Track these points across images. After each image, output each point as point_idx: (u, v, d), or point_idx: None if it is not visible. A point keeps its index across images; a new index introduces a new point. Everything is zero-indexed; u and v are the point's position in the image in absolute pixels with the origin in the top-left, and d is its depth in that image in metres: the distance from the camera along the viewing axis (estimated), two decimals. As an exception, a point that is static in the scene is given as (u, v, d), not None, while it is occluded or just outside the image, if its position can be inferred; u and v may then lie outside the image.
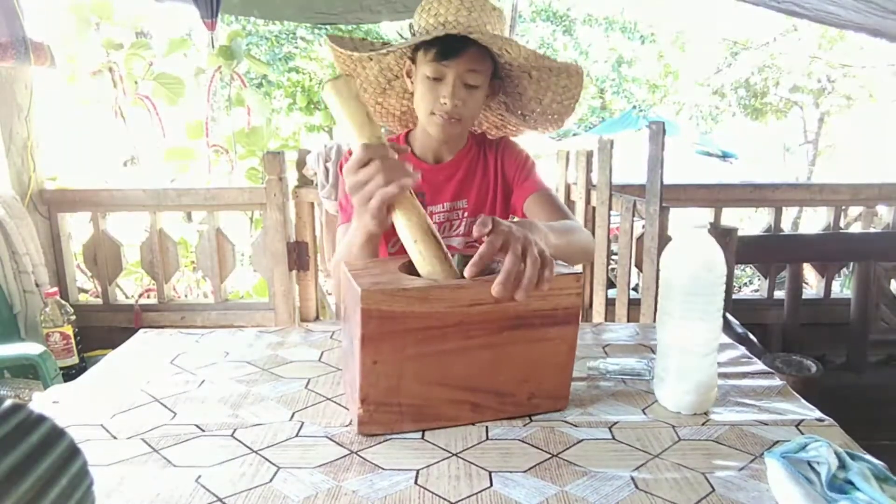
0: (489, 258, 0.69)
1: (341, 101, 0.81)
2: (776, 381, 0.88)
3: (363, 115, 0.81)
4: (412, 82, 1.13)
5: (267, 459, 0.68)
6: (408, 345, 0.69)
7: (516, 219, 0.81)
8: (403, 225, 0.79)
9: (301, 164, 2.14)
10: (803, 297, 1.97)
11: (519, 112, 1.23)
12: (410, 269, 0.78)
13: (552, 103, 1.18)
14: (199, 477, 0.65)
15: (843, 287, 3.21)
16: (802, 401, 0.82)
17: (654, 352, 0.97)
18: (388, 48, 1.07)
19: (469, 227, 1.19)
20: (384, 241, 1.16)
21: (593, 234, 2.24)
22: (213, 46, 2.79)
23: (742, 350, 0.99)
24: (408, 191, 0.80)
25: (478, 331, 0.71)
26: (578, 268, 0.77)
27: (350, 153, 1.11)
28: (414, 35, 1.08)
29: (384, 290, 0.67)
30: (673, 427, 0.75)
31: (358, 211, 0.82)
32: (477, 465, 0.67)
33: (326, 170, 1.94)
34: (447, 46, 1.02)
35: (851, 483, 0.59)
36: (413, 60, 1.11)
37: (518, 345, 0.73)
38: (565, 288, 0.73)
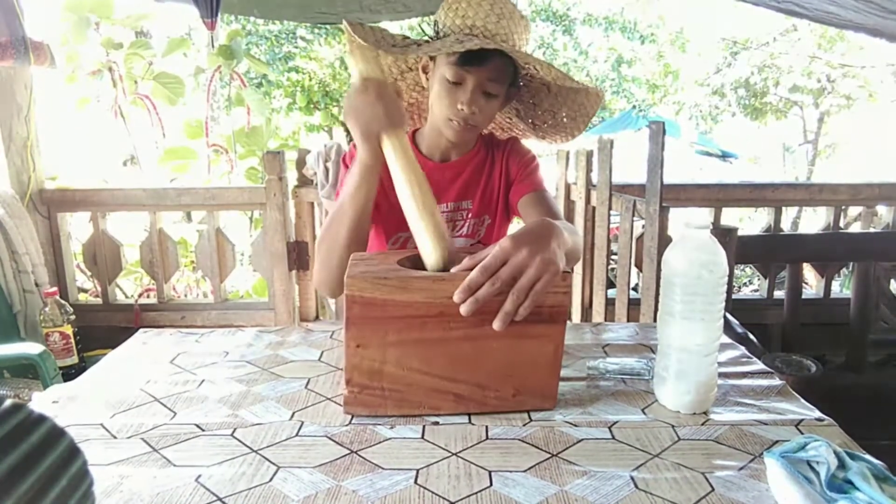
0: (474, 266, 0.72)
1: (365, 60, 0.92)
2: (776, 381, 0.88)
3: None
4: (427, 78, 1.10)
5: (267, 459, 0.68)
6: (389, 331, 0.72)
7: (547, 218, 0.81)
8: (400, 170, 0.86)
9: (301, 163, 2.14)
10: (803, 296, 1.97)
11: (529, 121, 1.22)
12: (415, 263, 0.79)
13: (565, 118, 1.16)
14: (199, 476, 0.65)
15: (842, 287, 3.21)
16: (802, 401, 0.82)
17: (653, 352, 0.97)
18: (413, 50, 1.01)
19: (472, 228, 1.18)
20: (384, 237, 1.15)
21: (593, 234, 2.24)
22: (212, 46, 2.78)
23: (742, 350, 0.99)
24: (405, 136, 0.90)
25: (458, 323, 0.72)
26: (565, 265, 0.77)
27: (354, 147, 1.12)
28: (438, 32, 1.05)
29: (366, 278, 0.71)
30: (673, 427, 0.75)
31: (356, 139, 0.91)
32: (477, 465, 0.67)
33: (326, 169, 1.94)
34: (472, 52, 0.99)
35: (851, 483, 0.59)
36: (431, 57, 1.08)
37: (500, 339, 0.73)
38: (552, 286, 0.73)
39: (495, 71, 1.02)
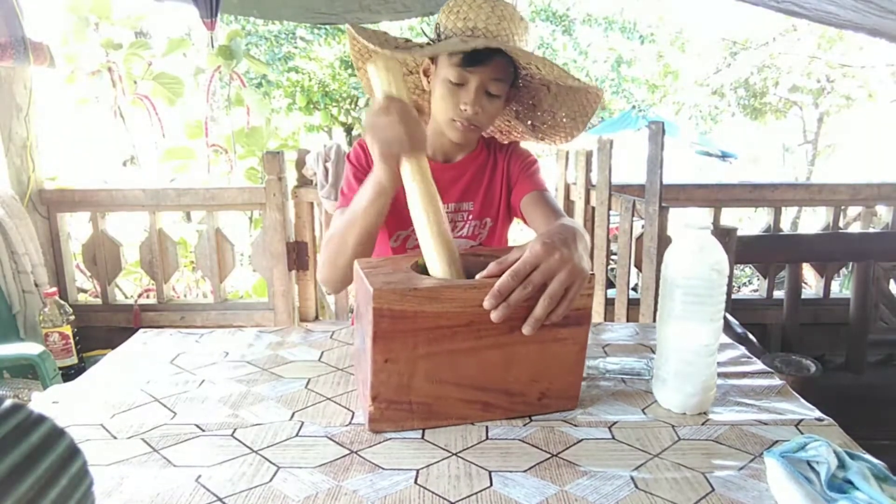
0: (504, 271, 0.70)
1: (390, 76, 0.90)
2: (776, 381, 0.88)
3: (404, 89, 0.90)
4: (429, 81, 1.11)
5: (267, 459, 0.68)
6: (419, 344, 0.70)
7: (565, 221, 0.80)
8: (418, 194, 0.84)
9: (300, 164, 2.14)
10: (802, 297, 1.97)
11: (529, 122, 1.22)
12: (423, 268, 0.79)
13: (565, 118, 1.17)
14: (199, 477, 0.65)
15: (842, 287, 3.21)
16: (802, 400, 0.82)
17: (653, 351, 0.97)
18: (417, 51, 1.02)
19: (474, 229, 1.18)
20: (387, 234, 1.15)
21: (593, 234, 2.24)
22: (212, 46, 2.78)
23: (742, 350, 0.99)
24: (425, 159, 0.88)
25: (488, 331, 0.71)
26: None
27: (360, 144, 1.12)
28: (439, 35, 1.06)
29: (395, 290, 0.68)
30: (672, 427, 0.75)
31: (375, 158, 0.89)
32: (477, 465, 0.67)
33: (326, 170, 1.94)
34: (474, 53, 1.00)
35: (851, 482, 0.59)
36: (432, 59, 1.08)
37: (529, 345, 0.73)
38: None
39: (497, 71, 1.03)
